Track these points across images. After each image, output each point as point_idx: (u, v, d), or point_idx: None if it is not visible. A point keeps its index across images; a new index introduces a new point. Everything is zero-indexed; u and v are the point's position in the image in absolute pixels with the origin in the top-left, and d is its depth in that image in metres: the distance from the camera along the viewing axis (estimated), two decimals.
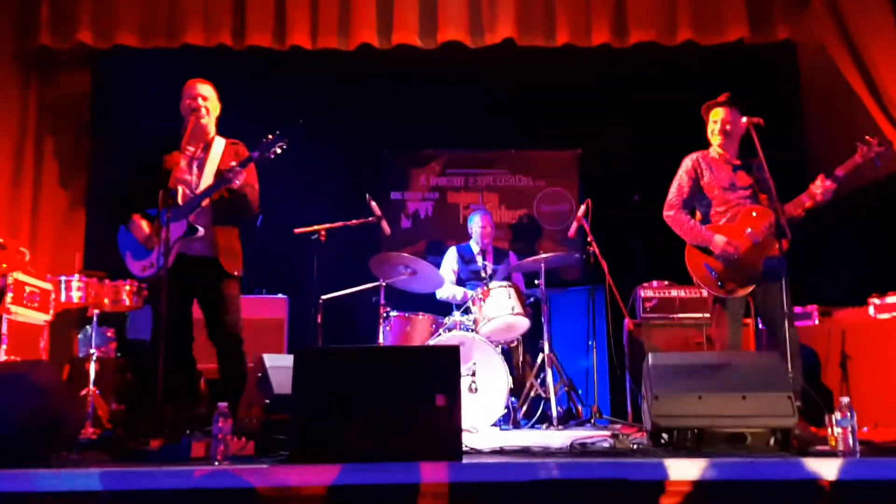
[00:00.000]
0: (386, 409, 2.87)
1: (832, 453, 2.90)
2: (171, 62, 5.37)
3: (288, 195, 5.41)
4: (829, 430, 3.00)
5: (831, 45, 5.09)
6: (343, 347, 3.14)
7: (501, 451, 3.27)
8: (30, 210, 5.31)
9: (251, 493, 2.61)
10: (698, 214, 4.23)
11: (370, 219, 5.11)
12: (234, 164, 3.85)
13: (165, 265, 3.50)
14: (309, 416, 2.87)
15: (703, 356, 4.16)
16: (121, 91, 5.82)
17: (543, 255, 5.14)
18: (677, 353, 4.31)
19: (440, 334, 4.93)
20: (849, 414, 2.89)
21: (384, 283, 5.06)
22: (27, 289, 4.50)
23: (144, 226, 3.88)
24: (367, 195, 5.15)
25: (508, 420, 4.79)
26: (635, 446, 3.30)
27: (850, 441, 2.85)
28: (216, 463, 2.77)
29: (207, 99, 4.03)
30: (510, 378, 4.74)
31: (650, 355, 3.34)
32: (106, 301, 4.75)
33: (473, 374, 4.67)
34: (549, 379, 4.84)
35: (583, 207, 5.21)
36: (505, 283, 5.03)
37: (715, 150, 4.21)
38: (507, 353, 5.12)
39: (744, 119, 4.00)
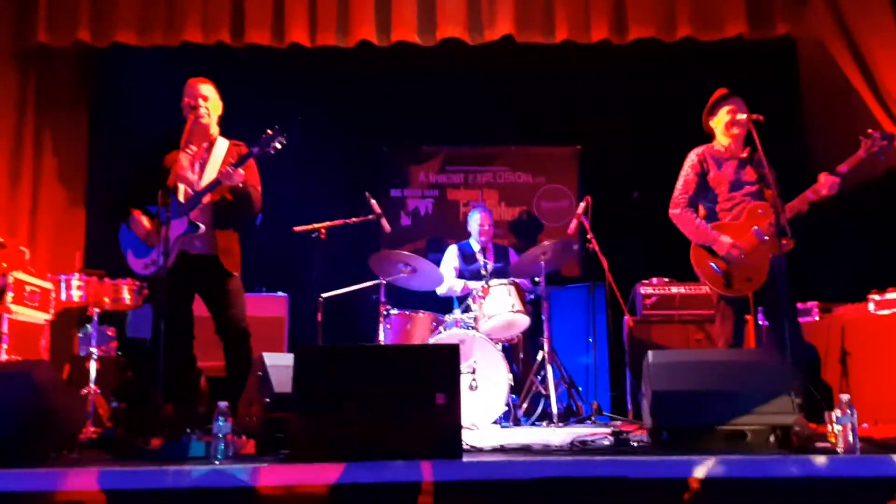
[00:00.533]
0: (386, 408, 2.87)
1: (832, 450, 2.90)
2: (171, 60, 5.37)
3: (287, 193, 5.41)
4: (829, 427, 3.00)
5: (830, 41, 5.09)
6: (343, 345, 3.15)
7: (502, 449, 3.27)
8: (29, 209, 5.31)
9: (251, 492, 2.61)
10: (703, 210, 4.17)
11: (370, 216, 5.11)
12: (231, 161, 3.85)
13: (166, 263, 3.50)
14: (309, 414, 2.87)
15: (702, 353, 4.17)
16: (120, 89, 5.82)
17: (542, 246, 5.04)
18: (677, 351, 4.32)
19: (440, 332, 4.93)
20: (849, 411, 2.88)
21: (384, 281, 5.06)
22: (27, 288, 4.50)
23: (145, 222, 3.90)
24: (367, 193, 5.15)
25: (509, 417, 4.79)
26: (635, 444, 3.30)
27: (850, 438, 2.85)
28: (216, 462, 2.77)
29: (208, 98, 4.03)
30: (510, 375, 4.74)
31: (650, 353, 3.34)
32: (106, 300, 4.75)
33: (474, 372, 4.68)
34: (550, 376, 4.84)
35: (582, 204, 5.21)
36: (505, 280, 5.03)
37: (720, 143, 4.14)
38: (508, 351, 5.12)
39: (743, 116, 3.98)
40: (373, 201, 5.11)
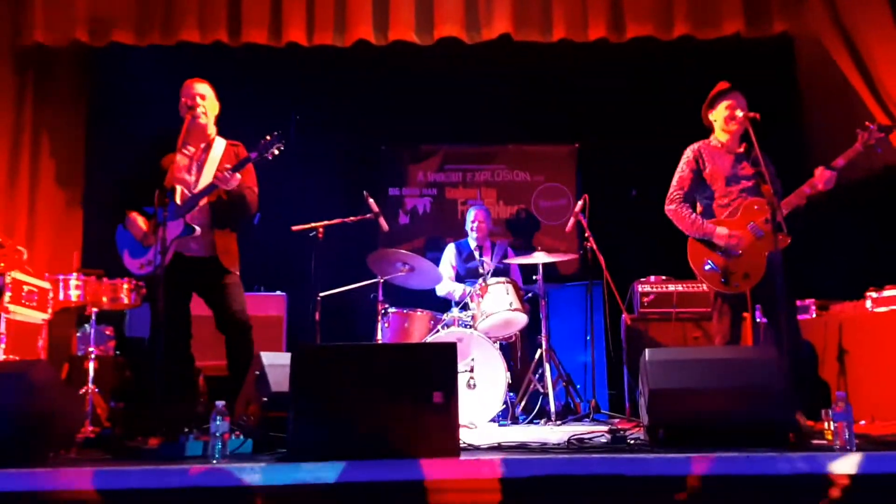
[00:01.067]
0: (383, 406, 2.87)
1: (828, 447, 2.90)
2: (168, 60, 5.37)
3: (286, 192, 5.42)
4: (826, 424, 3.01)
5: (828, 39, 5.09)
6: (340, 344, 3.14)
7: (499, 447, 3.27)
8: (27, 209, 5.31)
9: (249, 491, 2.61)
10: (699, 206, 4.15)
11: (368, 215, 5.11)
12: (228, 166, 3.85)
13: (162, 263, 3.50)
14: (306, 413, 2.87)
15: (699, 351, 4.17)
16: (117, 89, 5.82)
17: (540, 255, 5.09)
18: (674, 348, 4.32)
19: (438, 330, 4.94)
20: (845, 408, 2.89)
21: (382, 280, 5.07)
22: (25, 288, 4.50)
23: (141, 222, 3.90)
24: (365, 192, 5.15)
25: (507, 415, 4.80)
26: (632, 441, 3.31)
27: (847, 435, 2.86)
28: (214, 461, 2.78)
29: (205, 98, 4.03)
30: (508, 374, 4.75)
31: (647, 350, 3.34)
32: (104, 299, 4.75)
33: (472, 370, 4.69)
34: (548, 374, 4.85)
35: (580, 203, 5.21)
36: (503, 278, 5.04)
37: (716, 139, 4.13)
38: (506, 349, 5.13)
39: (740, 113, 3.98)
40: (371, 200, 5.11)
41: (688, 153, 4.16)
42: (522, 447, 3.26)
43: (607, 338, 5.57)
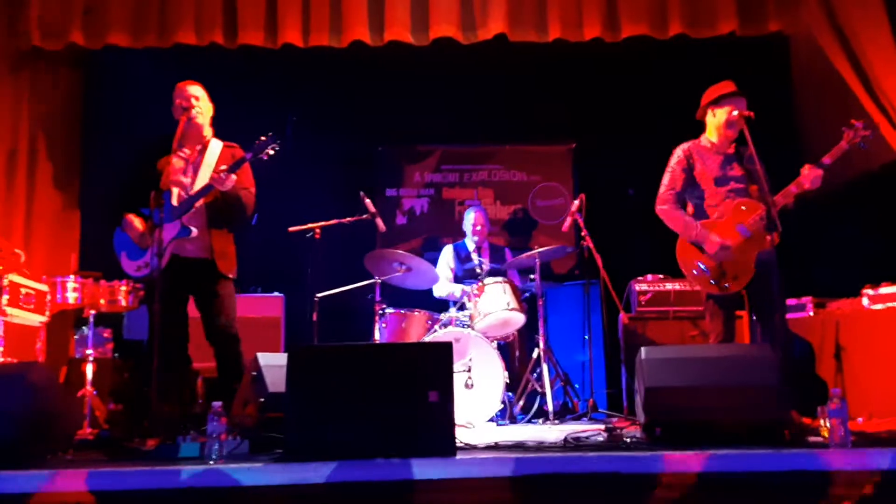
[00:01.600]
0: (380, 406, 2.88)
1: (824, 444, 2.91)
2: (164, 62, 5.37)
3: (282, 193, 5.42)
4: (822, 421, 3.01)
5: (823, 37, 5.10)
6: (336, 345, 3.15)
7: (496, 447, 3.28)
8: (24, 211, 5.31)
9: (246, 492, 2.62)
10: (690, 207, 4.15)
11: (365, 216, 5.12)
12: (224, 167, 3.86)
13: (159, 266, 3.51)
14: (303, 413, 2.88)
15: (695, 349, 4.17)
16: (114, 91, 5.83)
17: (537, 250, 5.13)
18: (670, 347, 4.32)
19: (436, 331, 4.95)
20: (840, 405, 2.90)
21: (380, 281, 5.07)
22: (23, 290, 4.50)
23: (138, 224, 3.91)
24: (362, 192, 5.16)
25: (505, 415, 4.81)
26: (629, 440, 3.31)
27: (842, 432, 2.87)
28: (211, 462, 2.78)
29: (199, 99, 4.03)
30: (506, 373, 4.75)
31: (643, 349, 3.34)
32: (102, 302, 4.75)
33: (469, 370, 4.69)
34: (545, 374, 4.85)
35: (576, 202, 5.22)
36: (500, 278, 5.04)
37: (707, 139, 4.11)
38: (503, 349, 5.13)
39: (735, 112, 3.98)
40: (368, 201, 5.12)
41: (678, 153, 4.14)
42: (519, 446, 3.27)
43: (605, 337, 5.58)
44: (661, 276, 5.31)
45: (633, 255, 5.71)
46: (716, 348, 3.75)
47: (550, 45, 5.40)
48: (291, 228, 4.94)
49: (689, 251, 4.01)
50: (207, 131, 4.09)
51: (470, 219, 5.74)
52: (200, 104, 4.01)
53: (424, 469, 2.66)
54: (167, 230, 3.73)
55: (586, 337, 5.33)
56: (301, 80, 6.21)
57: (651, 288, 5.27)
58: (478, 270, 5.35)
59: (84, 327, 4.85)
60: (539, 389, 4.89)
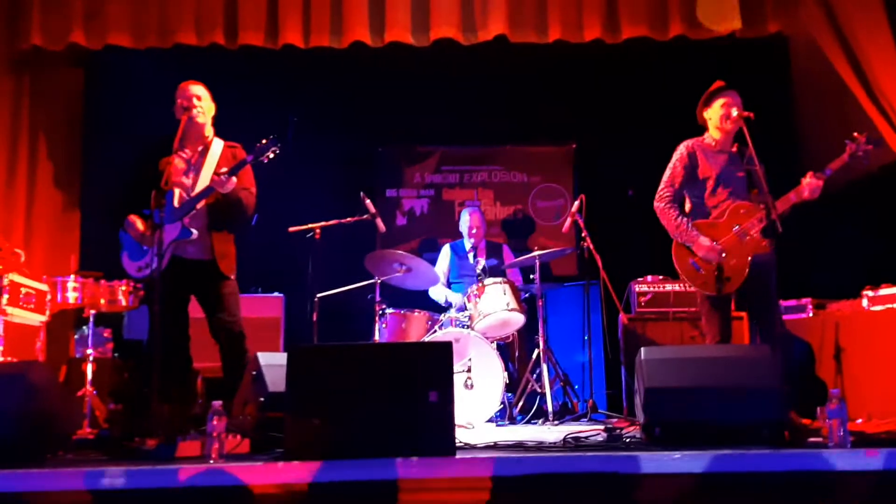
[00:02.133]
0: (380, 406, 2.89)
1: (823, 445, 2.92)
2: (165, 62, 5.37)
3: (283, 194, 5.42)
4: (821, 422, 3.02)
5: (822, 39, 5.10)
6: (336, 344, 3.16)
7: (495, 447, 3.29)
8: (24, 211, 5.31)
9: (246, 490, 2.62)
10: (689, 204, 4.12)
11: (365, 216, 5.12)
12: (224, 170, 3.86)
13: (159, 266, 3.51)
14: (303, 413, 2.88)
15: (694, 349, 4.17)
16: (114, 91, 5.83)
17: (537, 252, 5.14)
18: (669, 347, 4.33)
19: (436, 331, 4.95)
20: (839, 405, 2.90)
21: (380, 281, 5.07)
22: (23, 290, 4.50)
23: (139, 223, 3.91)
24: (362, 193, 5.17)
25: (504, 416, 4.81)
26: (628, 440, 3.32)
27: (841, 433, 2.87)
28: (211, 461, 2.79)
29: (201, 98, 4.03)
30: (506, 374, 4.75)
31: (642, 349, 3.35)
32: (102, 301, 4.75)
33: (469, 371, 4.69)
34: (545, 374, 4.85)
35: (576, 203, 5.22)
36: (499, 279, 5.05)
37: (710, 137, 4.10)
38: (503, 349, 5.14)
39: (735, 112, 3.98)
40: (368, 201, 5.12)
41: (681, 149, 4.12)
42: (519, 446, 3.27)
43: (605, 338, 5.58)
44: (660, 276, 5.31)
45: (633, 256, 5.72)
46: (715, 349, 3.75)
47: (551, 47, 5.40)
48: (292, 229, 4.94)
49: (684, 251, 3.99)
50: (209, 131, 4.08)
51: (466, 220, 5.74)
52: (202, 104, 4.01)
53: (424, 469, 2.66)
54: (168, 231, 3.74)
55: (586, 338, 5.33)
56: (301, 80, 6.21)
57: (651, 289, 5.27)
58: (478, 271, 5.34)
59: (84, 327, 4.86)
60: (539, 390, 4.89)
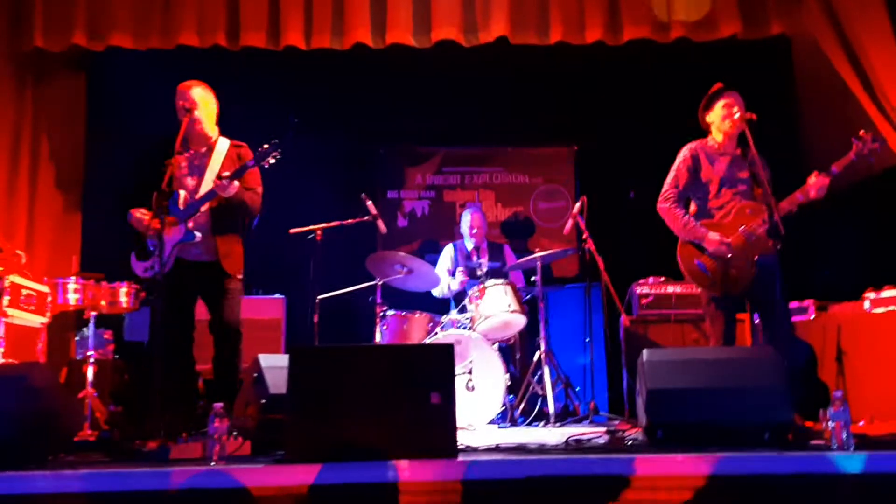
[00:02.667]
0: (381, 408, 2.88)
1: (826, 448, 2.90)
2: (167, 63, 5.37)
3: (284, 195, 5.41)
4: (824, 424, 3.00)
5: (824, 40, 5.09)
6: (337, 346, 3.15)
7: (497, 449, 3.28)
8: (26, 212, 5.31)
9: (247, 493, 2.61)
10: (693, 206, 4.14)
11: (366, 218, 5.13)
12: (226, 174, 3.86)
13: (162, 268, 3.51)
14: (304, 415, 2.88)
15: (697, 351, 4.17)
16: (116, 92, 5.82)
17: (539, 254, 5.13)
18: (671, 349, 4.32)
19: (437, 333, 4.94)
20: (842, 408, 2.89)
21: (381, 282, 5.07)
22: (24, 291, 4.50)
23: (141, 214, 3.89)
24: (363, 194, 5.17)
25: (506, 418, 4.80)
26: (630, 442, 3.31)
27: (844, 435, 2.86)
28: (212, 463, 2.78)
29: (202, 99, 4.02)
30: (507, 376, 4.75)
31: (644, 351, 3.34)
32: (103, 303, 4.74)
33: (470, 372, 4.68)
34: (547, 376, 4.84)
35: (578, 204, 5.21)
36: (501, 280, 5.04)
37: (713, 139, 4.11)
38: (505, 351, 5.13)
39: (738, 114, 3.98)
40: (369, 202, 5.12)
41: (684, 152, 4.13)
42: (521, 448, 3.26)
43: (606, 339, 5.57)
44: (662, 278, 5.30)
45: (635, 258, 5.71)
46: (718, 351, 3.75)
47: (552, 48, 5.39)
48: (293, 230, 4.94)
49: (690, 251, 4.00)
50: (213, 132, 4.08)
51: (466, 220, 5.74)
52: (203, 105, 4.00)
53: (426, 471, 2.65)
54: (172, 234, 3.74)
55: (587, 339, 5.31)
56: (303, 81, 6.21)
57: (652, 291, 5.26)
58: (478, 272, 5.34)
59: (85, 328, 4.85)
60: (540, 392, 4.88)
